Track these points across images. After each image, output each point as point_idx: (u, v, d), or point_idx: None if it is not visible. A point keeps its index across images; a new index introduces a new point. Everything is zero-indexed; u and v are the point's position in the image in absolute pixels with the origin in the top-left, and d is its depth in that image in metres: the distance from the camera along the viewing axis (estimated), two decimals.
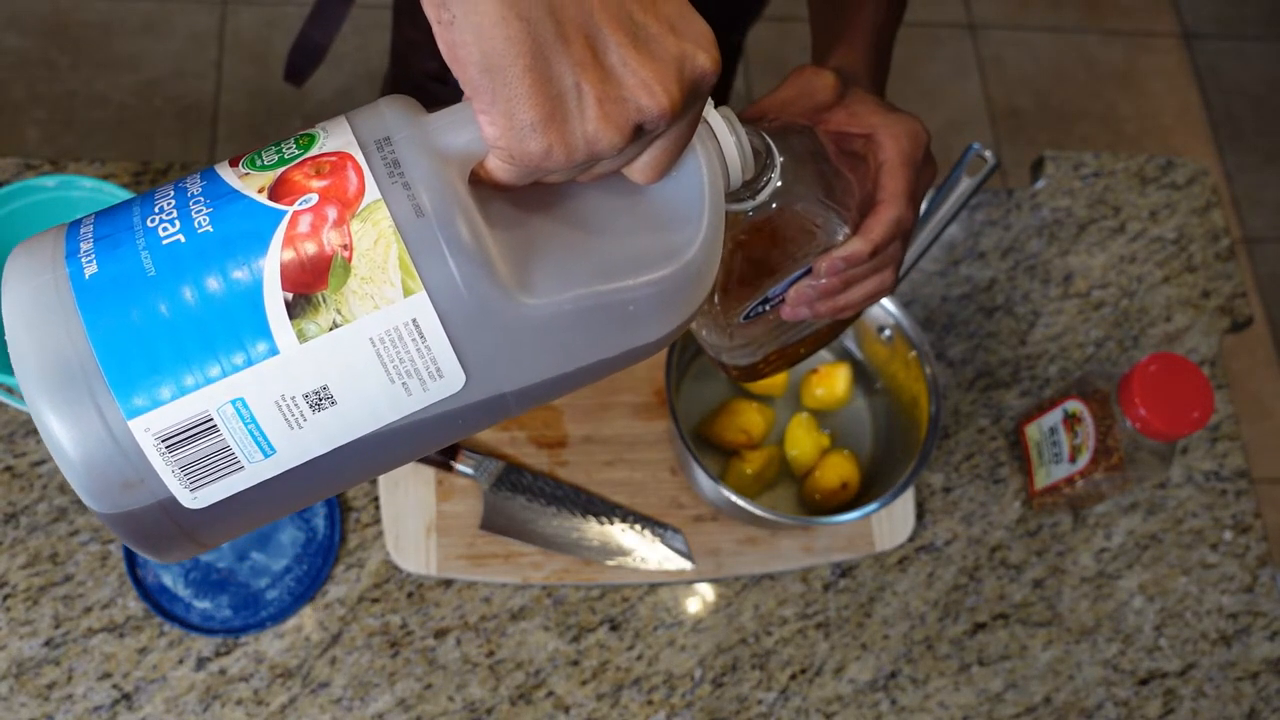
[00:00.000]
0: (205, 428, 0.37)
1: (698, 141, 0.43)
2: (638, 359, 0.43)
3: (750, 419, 0.87)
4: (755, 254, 0.58)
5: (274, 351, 0.37)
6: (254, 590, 0.82)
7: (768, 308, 0.61)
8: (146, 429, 0.36)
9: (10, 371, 0.81)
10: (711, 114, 0.46)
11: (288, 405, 0.37)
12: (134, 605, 0.81)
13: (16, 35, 1.90)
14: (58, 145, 1.83)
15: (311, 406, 0.38)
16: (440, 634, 0.83)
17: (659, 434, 0.90)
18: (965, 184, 0.74)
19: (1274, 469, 1.93)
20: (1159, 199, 1.08)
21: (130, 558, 0.81)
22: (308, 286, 0.36)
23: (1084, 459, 0.86)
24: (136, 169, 0.93)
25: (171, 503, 0.38)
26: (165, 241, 0.37)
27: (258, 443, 0.38)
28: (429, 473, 0.86)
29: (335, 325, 0.37)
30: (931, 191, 0.77)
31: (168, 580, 0.82)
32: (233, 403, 0.37)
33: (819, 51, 0.70)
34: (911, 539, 0.91)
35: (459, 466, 0.85)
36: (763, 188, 0.55)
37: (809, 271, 0.59)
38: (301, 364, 0.37)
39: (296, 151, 0.39)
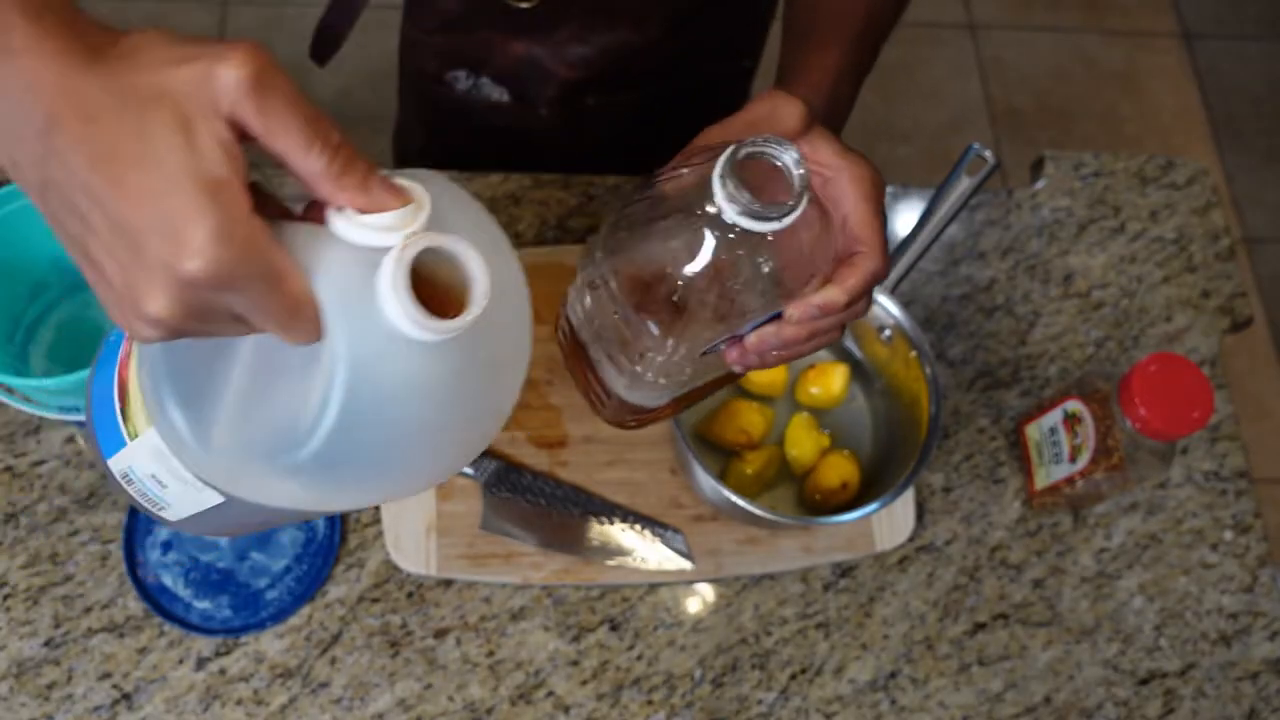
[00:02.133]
0: (129, 478, 0.50)
1: (340, 304, 0.38)
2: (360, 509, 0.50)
3: (750, 419, 0.86)
4: (738, 289, 0.55)
5: (124, 443, 0.48)
6: (254, 590, 0.82)
7: (722, 347, 0.59)
8: (116, 468, 0.51)
9: (10, 371, 0.81)
10: (389, 260, 0.37)
11: (151, 478, 0.48)
12: (134, 605, 0.81)
13: None
14: None
15: (160, 484, 0.48)
16: (440, 634, 0.83)
17: (659, 434, 0.90)
18: (965, 184, 0.74)
19: (1274, 469, 1.93)
20: (1159, 199, 1.08)
21: (130, 558, 0.81)
22: (124, 401, 0.48)
23: (1084, 459, 0.86)
24: None
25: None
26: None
27: (157, 496, 0.50)
28: None
29: (135, 435, 0.47)
30: (932, 191, 0.77)
31: (168, 580, 0.82)
32: (129, 468, 0.49)
33: (780, 83, 0.67)
34: (911, 539, 0.91)
35: None
36: (789, 213, 0.50)
37: (776, 316, 0.57)
38: (138, 454, 0.48)
39: None
